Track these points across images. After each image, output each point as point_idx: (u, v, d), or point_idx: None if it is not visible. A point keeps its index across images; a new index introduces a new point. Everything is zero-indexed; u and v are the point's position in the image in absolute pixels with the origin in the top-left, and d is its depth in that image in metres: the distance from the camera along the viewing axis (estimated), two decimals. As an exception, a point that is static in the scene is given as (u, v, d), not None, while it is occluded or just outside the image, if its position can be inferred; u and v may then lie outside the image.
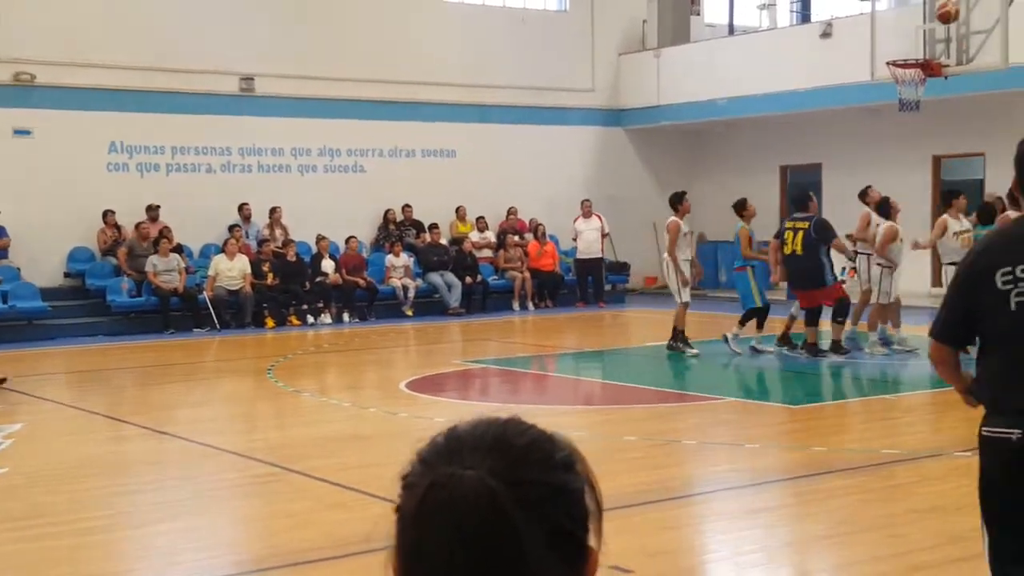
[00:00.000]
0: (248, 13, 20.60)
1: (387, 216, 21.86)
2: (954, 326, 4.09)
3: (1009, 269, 3.86)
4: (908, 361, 12.95)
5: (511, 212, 22.82)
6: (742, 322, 13.80)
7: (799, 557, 6.39)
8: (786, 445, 8.90)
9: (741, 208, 14.38)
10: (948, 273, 12.89)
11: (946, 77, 14.56)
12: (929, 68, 14.18)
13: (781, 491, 7.60)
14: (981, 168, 21.24)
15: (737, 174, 25.00)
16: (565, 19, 24.11)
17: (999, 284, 3.86)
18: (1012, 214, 11.63)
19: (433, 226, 21.26)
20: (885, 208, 13.27)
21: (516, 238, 22.21)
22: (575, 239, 22.11)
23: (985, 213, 12.98)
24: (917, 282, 21.81)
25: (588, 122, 24.40)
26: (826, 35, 20.21)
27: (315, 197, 21.13)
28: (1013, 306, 3.83)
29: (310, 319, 18.93)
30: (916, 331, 13.31)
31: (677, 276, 14.30)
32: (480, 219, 22.18)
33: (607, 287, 22.75)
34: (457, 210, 22.25)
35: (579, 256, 22.22)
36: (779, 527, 6.89)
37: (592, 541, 1.59)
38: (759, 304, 13.88)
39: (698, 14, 25.57)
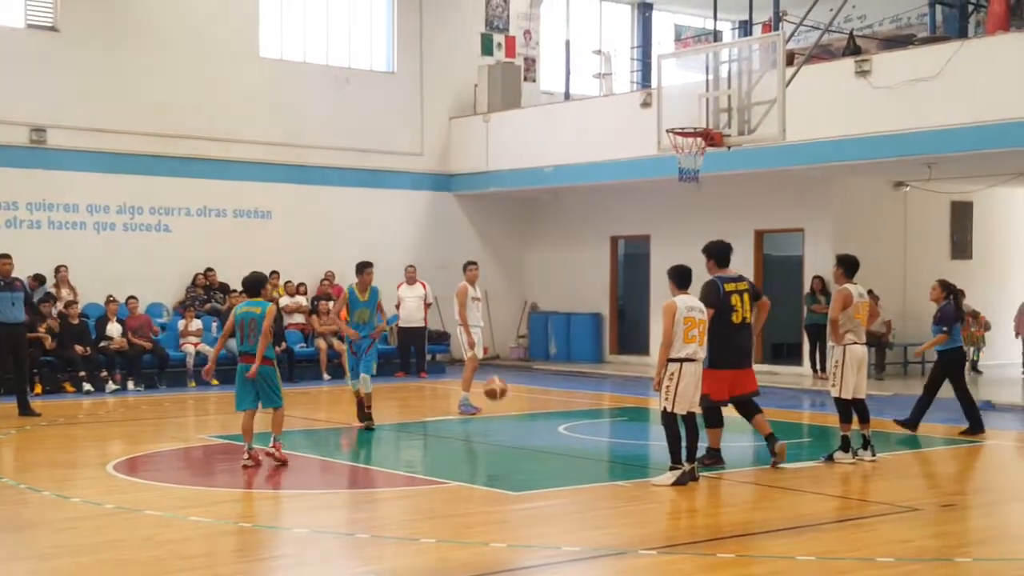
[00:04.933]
0: (42, 60, 19.59)
1: (196, 279, 20.89)
2: None
3: None
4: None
5: (327, 277, 21.94)
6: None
7: None
8: (462, 541, 8.05)
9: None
10: None
11: (728, 148, 14.10)
12: (710, 137, 13.70)
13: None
14: (800, 244, 20.97)
15: (569, 244, 24.53)
16: (392, 80, 23.47)
17: None
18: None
19: (235, 290, 20.19)
20: None
21: (329, 304, 21.29)
22: (398, 306, 21.28)
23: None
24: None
25: (416, 186, 23.74)
26: (646, 104, 19.79)
27: (113, 257, 20.09)
28: None
29: (87, 386, 17.76)
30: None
31: (464, 339, 15.30)
32: (288, 283, 21.25)
33: (427, 356, 21.93)
34: (269, 274, 21.28)
35: (401, 324, 21.45)
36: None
37: None
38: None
39: (533, 80, 25.16)
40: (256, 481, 10.64)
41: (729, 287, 10.65)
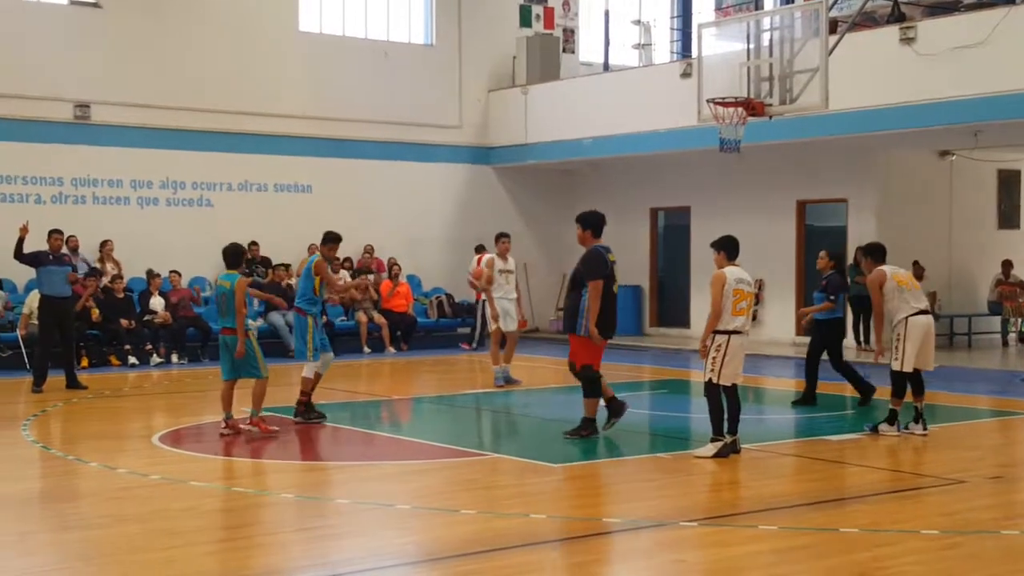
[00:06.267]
0: (85, 35, 19.73)
1: (237, 253, 20.96)
2: None
3: None
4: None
5: (367, 250, 22.01)
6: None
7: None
8: (503, 513, 8.06)
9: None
10: None
11: (770, 117, 13.96)
12: (751, 107, 13.56)
13: (447, 570, 6.74)
14: (844, 215, 20.76)
15: (608, 216, 23.97)
16: (431, 53, 23.42)
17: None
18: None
19: (279, 265, 20.26)
20: None
21: (370, 277, 21.37)
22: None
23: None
24: (780, 330, 21.30)
25: (455, 159, 23.70)
26: (686, 75, 19.62)
27: (156, 231, 20.23)
28: None
29: (132, 360, 17.95)
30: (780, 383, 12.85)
31: (489, 311, 15.26)
32: (336, 259, 21.28)
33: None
34: (309, 248, 21.35)
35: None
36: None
37: None
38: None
39: (572, 52, 25.01)
40: (299, 453, 10.73)
41: (611, 257, 10.76)
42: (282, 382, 14.62)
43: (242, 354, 10.94)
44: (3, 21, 19.11)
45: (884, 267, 11.21)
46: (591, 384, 10.89)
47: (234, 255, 11.37)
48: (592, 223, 10.94)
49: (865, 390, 13.07)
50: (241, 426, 11.25)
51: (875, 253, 11.44)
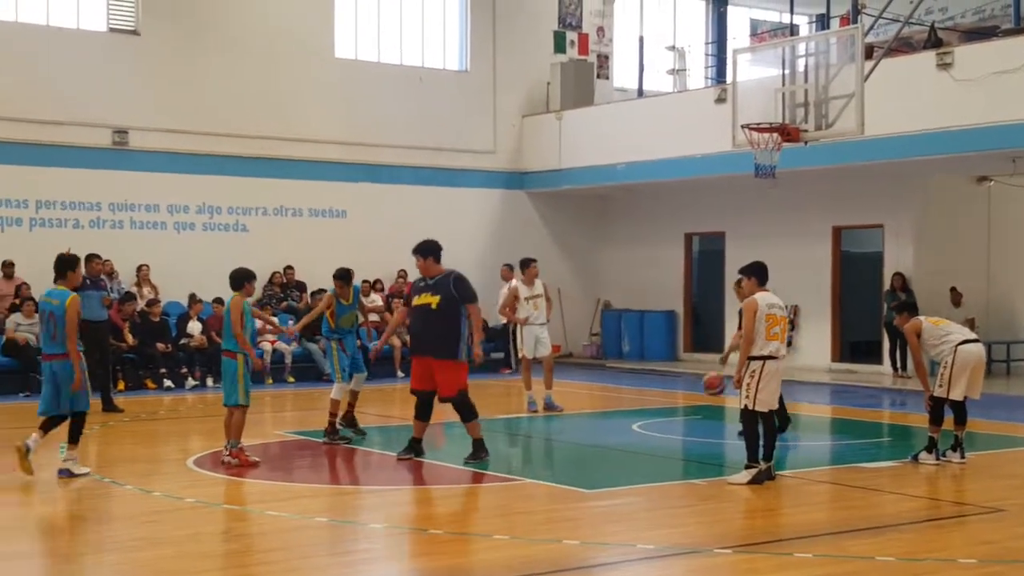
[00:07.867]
0: (123, 63, 19.96)
1: (273, 278, 21.12)
2: None
3: None
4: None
5: (400, 275, 22.08)
6: None
7: None
8: (536, 539, 8.03)
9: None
10: None
11: (806, 143, 13.91)
12: (786, 132, 13.52)
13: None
14: (880, 240, 20.63)
15: (642, 241, 24.41)
16: (466, 79, 23.54)
17: None
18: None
19: (317, 291, 20.36)
20: None
21: (402, 302, 21.40)
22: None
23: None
24: (815, 356, 21.17)
25: (489, 184, 23.76)
26: (721, 100, 19.61)
27: (192, 256, 20.37)
28: None
29: (167, 383, 18.07)
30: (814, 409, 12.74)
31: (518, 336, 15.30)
32: (365, 282, 21.37)
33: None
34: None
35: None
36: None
37: None
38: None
39: (607, 77, 25.05)
40: (332, 477, 10.74)
41: None
42: (318, 406, 14.68)
43: (259, 367, 10.81)
44: (42, 48, 19.37)
45: (919, 317, 11.17)
46: (471, 408, 11.04)
47: (235, 279, 10.89)
48: (432, 251, 11.18)
49: (782, 423, 12.69)
50: (222, 459, 10.81)
51: (909, 308, 11.48)
